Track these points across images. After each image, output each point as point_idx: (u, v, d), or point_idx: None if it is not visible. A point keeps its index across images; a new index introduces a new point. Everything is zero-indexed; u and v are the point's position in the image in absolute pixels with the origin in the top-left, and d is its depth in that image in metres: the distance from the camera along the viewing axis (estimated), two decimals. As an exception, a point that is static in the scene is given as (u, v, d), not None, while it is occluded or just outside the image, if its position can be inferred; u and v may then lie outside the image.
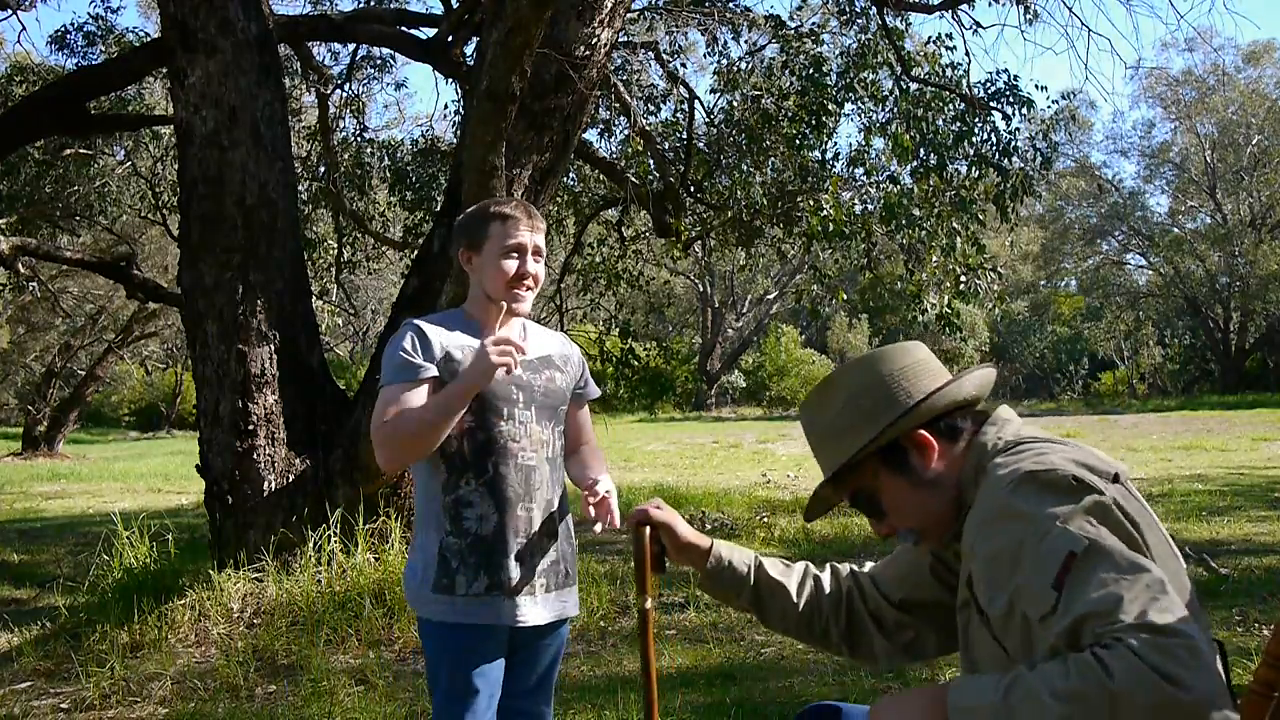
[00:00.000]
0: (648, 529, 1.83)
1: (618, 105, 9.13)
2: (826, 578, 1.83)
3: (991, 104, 8.63)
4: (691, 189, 9.43)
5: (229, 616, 4.77)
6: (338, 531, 5.06)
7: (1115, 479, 1.43)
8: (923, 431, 1.54)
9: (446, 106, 28.01)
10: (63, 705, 3.99)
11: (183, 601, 4.83)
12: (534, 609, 2.16)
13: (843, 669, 4.11)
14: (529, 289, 2.20)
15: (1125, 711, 1.15)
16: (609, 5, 5.29)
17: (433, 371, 2.13)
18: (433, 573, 2.12)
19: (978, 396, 1.63)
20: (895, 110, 8.87)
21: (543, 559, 2.19)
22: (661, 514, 1.84)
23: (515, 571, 2.13)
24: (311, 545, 5.02)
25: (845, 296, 10.15)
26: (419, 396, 2.10)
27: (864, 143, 9.48)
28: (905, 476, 1.55)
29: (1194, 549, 6.19)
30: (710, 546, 1.84)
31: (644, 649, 1.82)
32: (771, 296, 36.95)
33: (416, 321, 2.19)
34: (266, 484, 5.20)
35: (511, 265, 2.18)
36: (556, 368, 2.29)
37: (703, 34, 9.54)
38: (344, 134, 11.45)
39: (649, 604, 1.81)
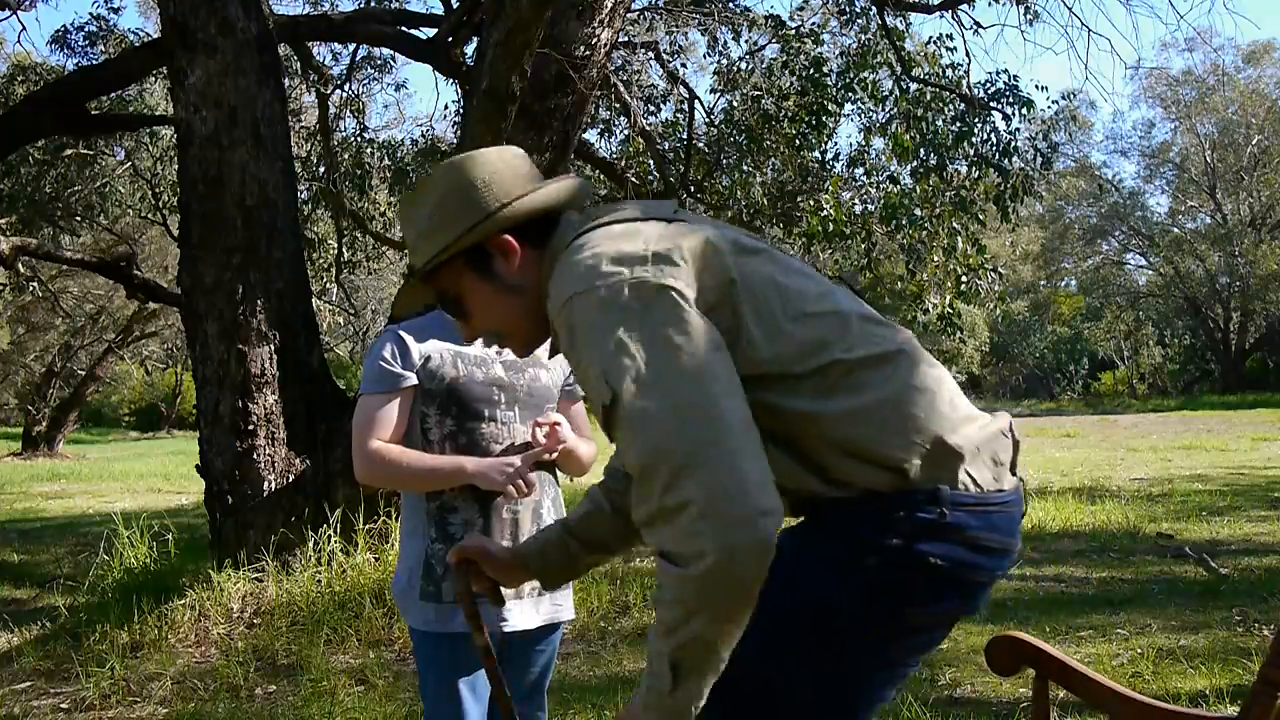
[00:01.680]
0: (467, 564, 1.76)
1: (618, 105, 9.13)
2: (608, 480, 1.79)
3: (991, 104, 8.63)
4: (691, 189, 9.43)
5: (229, 616, 4.76)
6: (338, 531, 5.06)
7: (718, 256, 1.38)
8: (506, 236, 1.52)
9: (446, 107, 28.04)
10: (63, 705, 3.99)
11: (183, 601, 4.83)
12: (523, 614, 2.13)
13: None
14: None
15: (697, 620, 1.18)
16: (609, 5, 5.29)
17: (412, 380, 2.12)
18: (419, 580, 2.10)
19: (567, 203, 1.58)
20: (895, 110, 8.88)
21: None
22: (471, 543, 1.78)
23: None
24: (311, 545, 5.02)
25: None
26: (397, 406, 2.13)
27: (864, 143, 9.49)
28: (488, 281, 1.54)
29: (1194, 549, 6.20)
30: (524, 553, 1.77)
31: (495, 684, 1.75)
32: (771, 296, 36.91)
33: (396, 329, 2.17)
34: (266, 484, 5.20)
35: None
36: (542, 365, 2.23)
37: (703, 34, 9.55)
38: (344, 134, 11.45)
39: (485, 641, 1.75)
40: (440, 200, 1.55)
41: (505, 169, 1.57)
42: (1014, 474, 1.44)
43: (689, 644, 1.22)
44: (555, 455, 2.15)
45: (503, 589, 1.83)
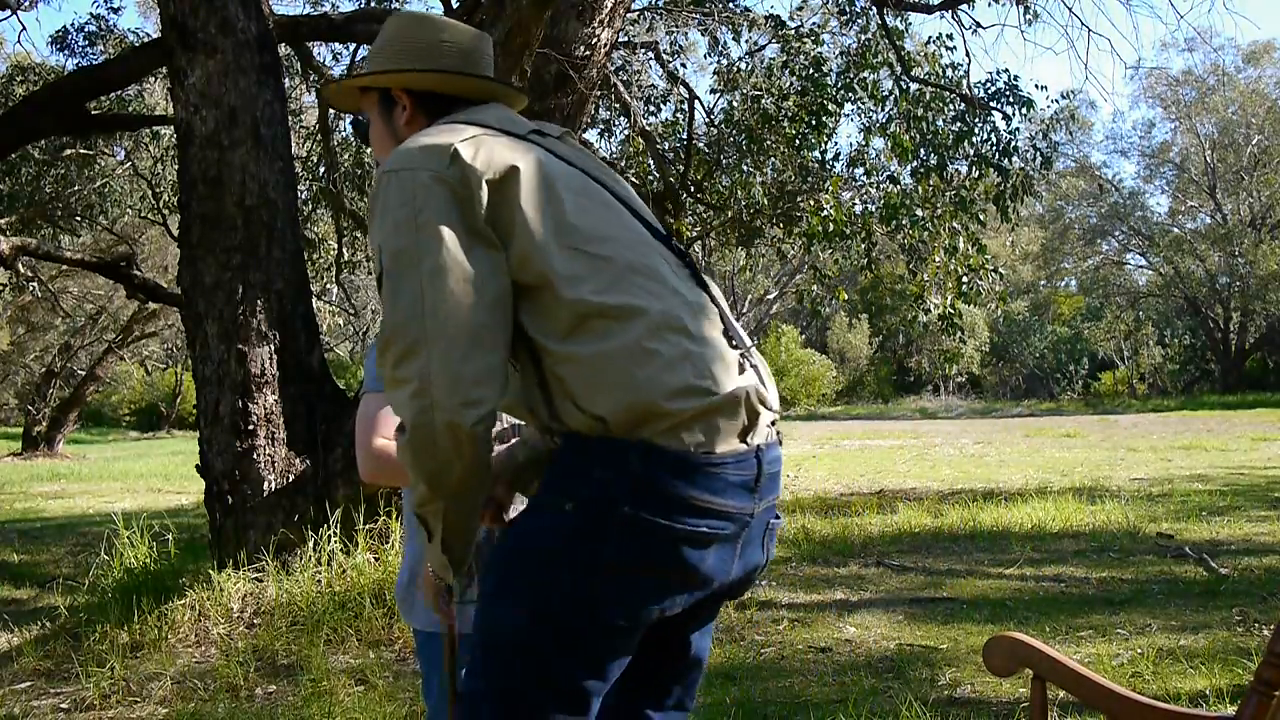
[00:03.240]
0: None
1: (618, 105, 9.14)
2: None
3: (991, 104, 8.64)
4: (691, 189, 9.43)
5: (229, 616, 4.76)
6: (338, 531, 5.06)
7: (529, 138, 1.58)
8: (403, 93, 1.72)
9: (446, 106, 27.95)
10: (63, 705, 3.99)
11: (183, 601, 4.83)
12: None
13: (842, 669, 4.11)
14: None
15: (417, 482, 1.47)
16: (609, 5, 5.29)
17: None
18: (422, 581, 2.11)
19: (481, 98, 1.74)
20: (895, 110, 8.88)
21: None
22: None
23: None
24: (311, 545, 5.02)
25: (845, 297, 10.13)
26: None
27: (864, 143, 9.50)
28: (385, 122, 1.75)
29: (1194, 549, 6.20)
30: (499, 468, 1.75)
31: (450, 674, 1.82)
32: (771, 296, 36.93)
33: None
34: (266, 484, 5.20)
35: None
36: None
37: (703, 34, 9.56)
38: (344, 134, 11.44)
39: (450, 629, 1.82)
40: (390, 36, 1.75)
41: (448, 42, 1.74)
42: (745, 441, 1.51)
43: (420, 502, 1.49)
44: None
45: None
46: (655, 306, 1.48)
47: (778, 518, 1.66)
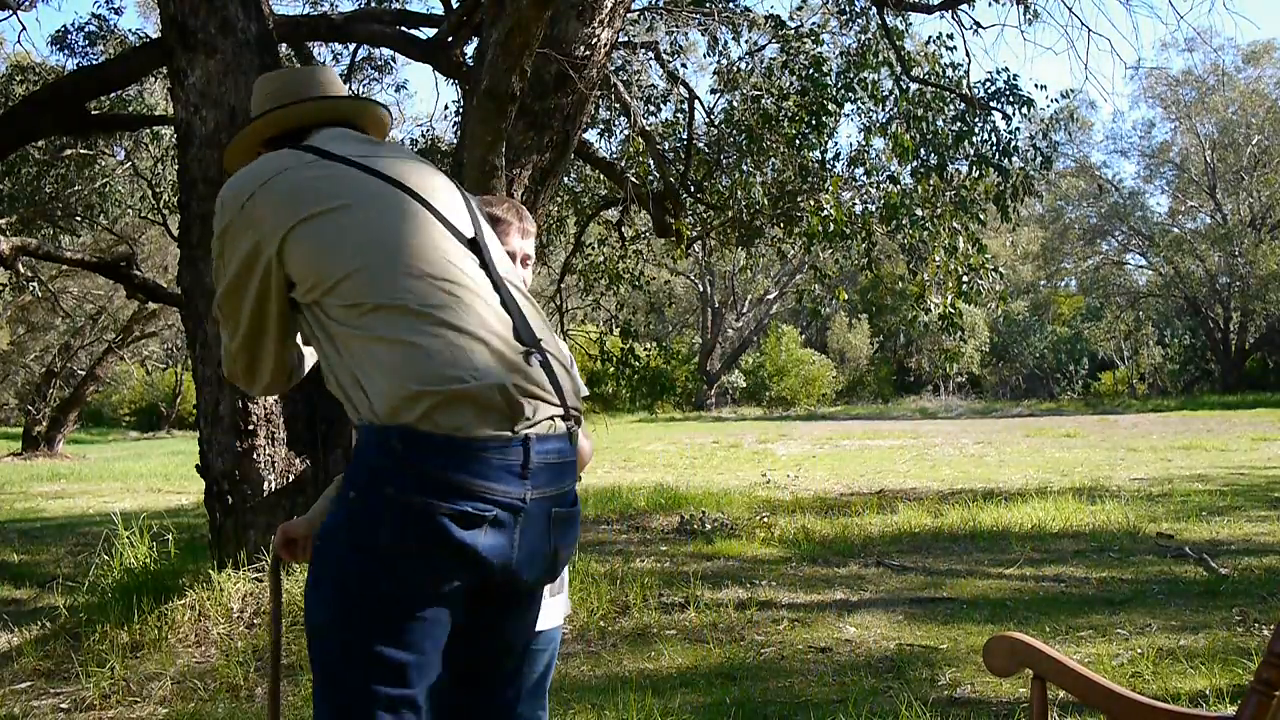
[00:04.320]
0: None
1: (618, 105, 9.14)
2: None
3: (991, 104, 8.63)
4: (691, 189, 9.43)
5: (229, 616, 4.76)
6: (338, 531, 5.05)
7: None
8: (262, 144, 1.96)
9: (446, 107, 28.02)
10: (63, 705, 3.99)
11: (183, 601, 4.83)
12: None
13: (842, 669, 4.11)
14: None
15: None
16: (609, 5, 5.29)
17: None
18: None
19: (329, 121, 1.95)
20: (895, 110, 8.88)
21: None
22: (284, 527, 2.06)
23: None
24: (311, 545, 5.02)
25: (845, 297, 10.13)
26: None
27: (864, 143, 9.49)
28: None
29: (1194, 549, 6.20)
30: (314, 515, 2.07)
31: (274, 658, 2.06)
32: (771, 296, 36.94)
33: None
34: (266, 484, 5.20)
35: None
36: None
37: (703, 34, 9.55)
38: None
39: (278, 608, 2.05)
40: (265, 80, 2.03)
41: (276, 88, 1.97)
42: (512, 429, 1.65)
43: None
44: None
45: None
46: (425, 304, 1.66)
47: (567, 508, 1.77)
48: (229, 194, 1.78)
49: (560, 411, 1.73)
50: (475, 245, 1.80)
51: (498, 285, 1.77)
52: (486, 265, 1.79)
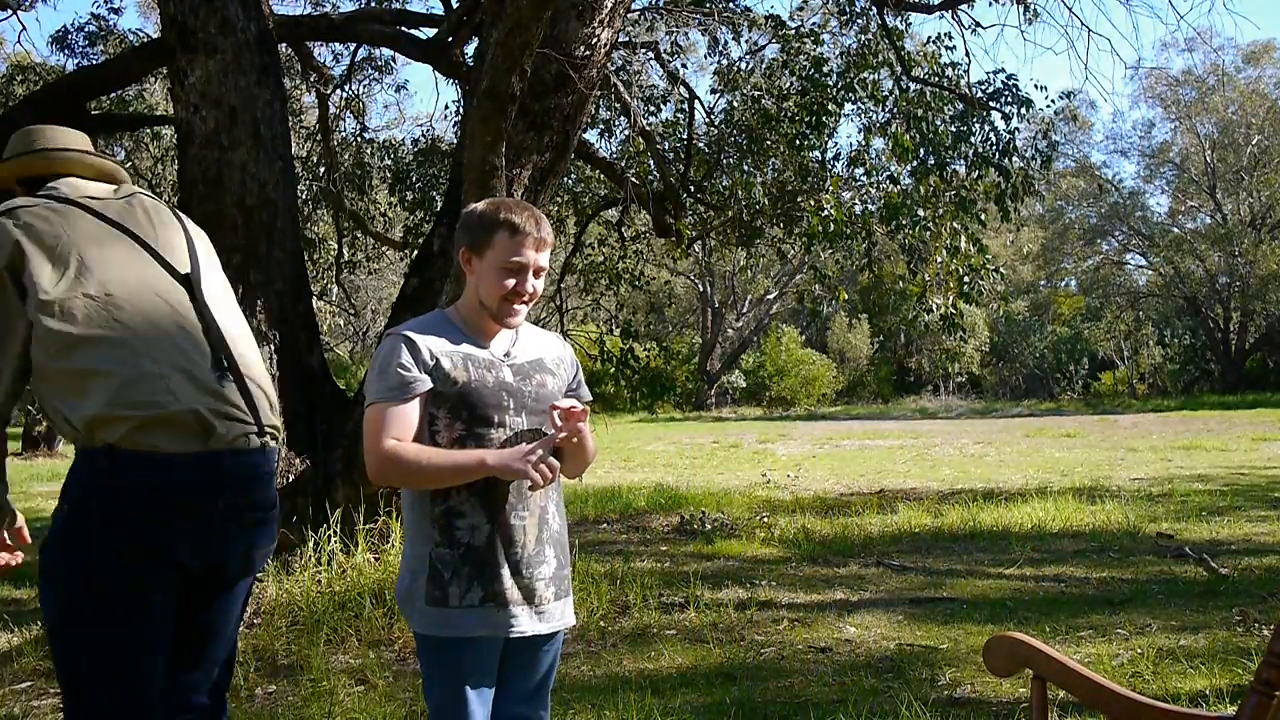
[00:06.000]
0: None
1: (618, 105, 9.14)
2: None
3: (991, 104, 8.63)
4: (691, 189, 9.43)
5: (229, 616, 4.76)
6: (338, 531, 5.06)
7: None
8: (18, 181, 2.22)
9: (446, 107, 28.02)
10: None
11: (183, 601, 4.82)
12: (530, 620, 2.12)
13: (842, 669, 4.11)
14: (525, 303, 2.15)
15: None
16: (609, 5, 5.29)
17: (427, 384, 2.08)
18: (424, 584, 2.09)
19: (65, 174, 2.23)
20: (895, 110, 8.88)
21: (538, 569, 2.13)
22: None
23: (509, 582, 2.09)
24: (311, 545, 5.02)
25: (845, 297, 10.11)
26: (412, 413, 2.07)
27: (864, 143, 9.49)
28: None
29: (1194, 549, 6.20)
30: None
31: None
32: (771, 296, 36.94)
33: (404, 331, 2.13)
34: (266, 484, 5.19)
35: (510, 282, 2.12)
36: (548, 371, 2.22)
37: (703, 34, 9.56)
38: (344, 134, 11.45)
39: None
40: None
41: (31, 141, 2.25)
42: (207, 446, 1.98)
43: None
44: (576, 439, 2.12)
45: (514, 597, 2.11)
46: (127, 337, 1.95)
47: (263, 512, 2.11)
48: None
49: (255, 429, 2.07)
50: (188, 281, 2.14)
51: (202, 315, 2.10)
52: (195, 299, 2.12)
